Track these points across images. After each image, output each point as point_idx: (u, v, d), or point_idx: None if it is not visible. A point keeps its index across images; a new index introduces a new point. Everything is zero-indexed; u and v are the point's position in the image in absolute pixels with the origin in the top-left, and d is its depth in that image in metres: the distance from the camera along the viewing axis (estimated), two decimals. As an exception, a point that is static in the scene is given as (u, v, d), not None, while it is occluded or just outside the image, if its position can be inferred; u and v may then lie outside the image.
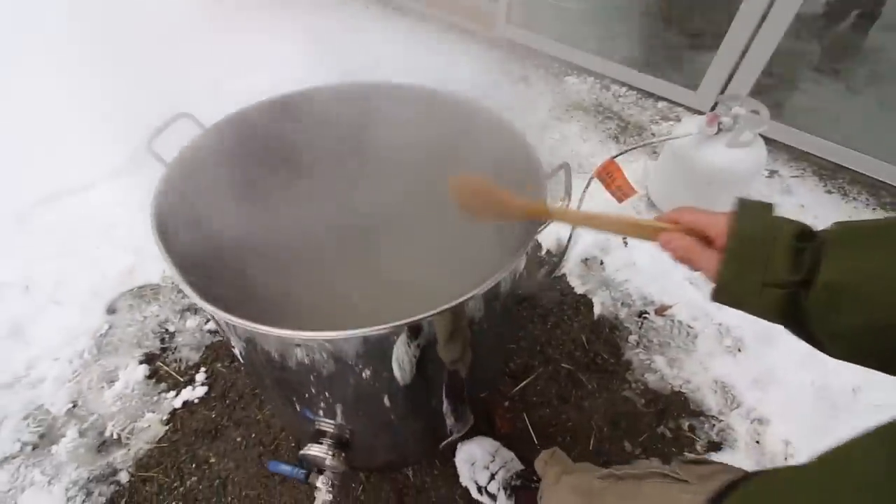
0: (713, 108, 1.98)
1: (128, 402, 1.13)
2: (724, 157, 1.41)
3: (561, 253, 1.52)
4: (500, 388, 1.20)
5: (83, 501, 1.00)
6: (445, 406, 0.82)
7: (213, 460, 1.05)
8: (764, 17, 1.69)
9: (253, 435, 1.09)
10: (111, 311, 1.30)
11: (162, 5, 2.85)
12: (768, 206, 0.44)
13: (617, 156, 1.41)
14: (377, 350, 0.60)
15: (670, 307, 1.36)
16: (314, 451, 0.72)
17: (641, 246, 1.51)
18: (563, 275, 1.46)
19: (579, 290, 1.42)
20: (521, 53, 2.35)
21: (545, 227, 0.62)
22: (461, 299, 0.53)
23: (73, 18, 2.64)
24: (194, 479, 1.04)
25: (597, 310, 1.37)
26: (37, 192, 1.54)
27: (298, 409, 0.76)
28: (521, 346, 1.28)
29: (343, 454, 0.73)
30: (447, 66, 2.29)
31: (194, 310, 1.32)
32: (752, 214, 0.43)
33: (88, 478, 1.02)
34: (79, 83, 2.11)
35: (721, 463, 0.61)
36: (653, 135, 1.96)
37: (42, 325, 1.25)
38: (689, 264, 0.48)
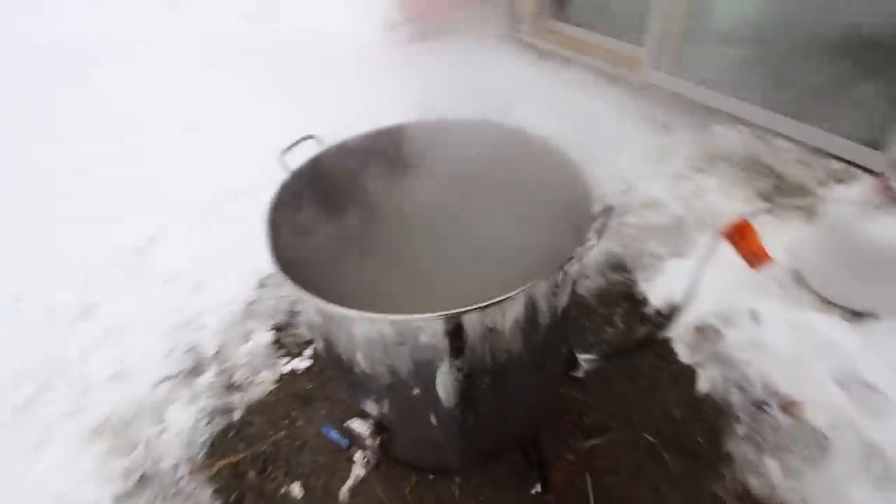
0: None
1: (254, 359, 1.37)
2: (892, 231, 1.12)
3: (671, 313, 1.36)
4: (569, 442, 1.12)
5: (206, 424, 1.23)
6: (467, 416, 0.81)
7: (300, 423, 1.20)
8: None
9: (336, 411, 1.22)
10: (261, 286, 1.59)
11: (341, 43, 3.41)
12: None
13: (754, 213, 1.24)
14: (419, 342, 0.64)
15: (801, 405, 1.11)
16: (355, 424, 0.79)
17: (777, 323, 1.27)
18: (669, 339, 1.31)
19: (685, 359, 1.25)
20: (667, 100, 2.19)
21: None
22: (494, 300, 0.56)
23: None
24: (283, 433, 1.20)
25: (702, 385, 1.19)
26: (227, 188, 1.97)
27: (351, 387, 0.84)
28: (602, 402, 1.18)
29: (379, 437, 0.78)
30: (585, 109, 2.27)
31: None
32: None
33: (214, 408, 1.26)
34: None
35: None
36: (817, 197, 1.63)
37: (215, 287, 1.59)
38: None
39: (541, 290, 0.65)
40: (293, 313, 1.50)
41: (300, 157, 0.90)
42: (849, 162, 1.70)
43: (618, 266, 1.54)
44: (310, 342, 1.41)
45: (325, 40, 3.56)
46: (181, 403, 1.30)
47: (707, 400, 1.16)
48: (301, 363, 1.35)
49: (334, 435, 0.92)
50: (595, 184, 0.78)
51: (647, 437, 1.11)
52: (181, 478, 1.15)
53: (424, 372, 0.70)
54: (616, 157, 1.96)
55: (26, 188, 2.25)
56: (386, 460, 1.03)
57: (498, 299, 0.59)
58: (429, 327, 0.62)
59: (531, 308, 0.67)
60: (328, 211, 0.95)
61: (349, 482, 1.04)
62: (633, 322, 1.37)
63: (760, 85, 2.03)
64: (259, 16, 4.27)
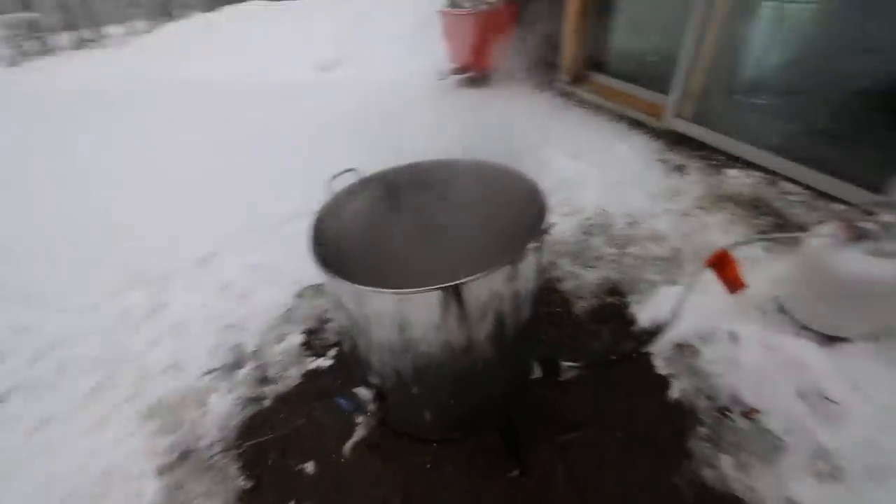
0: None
1: (286, 357, 1.76)
2: (862, 266, 1.36)
3: (654, 330, 1.63)
4: (547, 436, 1.39)
5: (241, 409, 1.61)
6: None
7: (316, 413, 1.56)
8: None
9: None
10: (299, 296, 2.02)
11: (397, 90, 4.05)
12: None
13: (733, 246, 1.55)
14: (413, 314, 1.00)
15: (759, 412, 1.34)
16: (360, 390, 1.13)
17: (752, 343, 1.51)
18: (650, 353, 1.57)
19: (662, 370, 1.51)
20: (683, 143, 2.52)
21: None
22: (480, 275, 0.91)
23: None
24: (302, 420, 1.55)
25: (674, 393, 1.44)
26: (287, 213, 2.49)
27: (361, 357, 1.19)
28: (580, 404, 1.45)
29: (379, 403, 1.12)
30: (607, 150, 2.64)
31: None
32: None
33: (248, 396, 1.65)
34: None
35: None
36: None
37: (260, 295, 2.03)
38: None
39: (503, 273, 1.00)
40: (323, 320, 1.90)
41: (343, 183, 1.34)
42: (844, 202, 1.94)
43: (614, 290, 1.83)
44: (335, 345, 1.79)
45: (382, 87, 4.27)
46: (222, 392, 1.70)
47: (676, 405, 1.41)
48: (325, 362, 1.73)
49: (343, 401, 1.28)
50: (546, 204, 1.14)
51: (618, 433, 1.37)
52: (214, 455, 1.52)
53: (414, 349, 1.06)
54: (629, 194, 2.30)
55: (121, 195, 2.89)
56: (382, 426, 1.35)
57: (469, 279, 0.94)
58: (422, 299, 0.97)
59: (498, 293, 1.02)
60: (357, 223, 1.37)
61: (351, 440, 1.35)
62: (620, 338, 1.64)
63: (772, 131, 2.32)
64: (328, 66, 5.21)
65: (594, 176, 2.47)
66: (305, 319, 1.91)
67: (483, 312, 1.03)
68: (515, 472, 1.32)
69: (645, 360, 1.55)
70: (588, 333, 1.68)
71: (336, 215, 1.28)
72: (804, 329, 1.54)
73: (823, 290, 1.47)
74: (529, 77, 3.80)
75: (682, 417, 1.37)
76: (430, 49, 4.76)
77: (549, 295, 1.85)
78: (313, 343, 1.81)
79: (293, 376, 1.70)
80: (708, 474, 1.24)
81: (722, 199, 2.15)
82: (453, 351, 1.07)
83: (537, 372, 1.43)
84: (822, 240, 1.47)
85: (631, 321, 1.70)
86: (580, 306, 1.78)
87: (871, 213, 1.35)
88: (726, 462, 1.25)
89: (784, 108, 2.47)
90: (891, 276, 1.33)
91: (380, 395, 1.17)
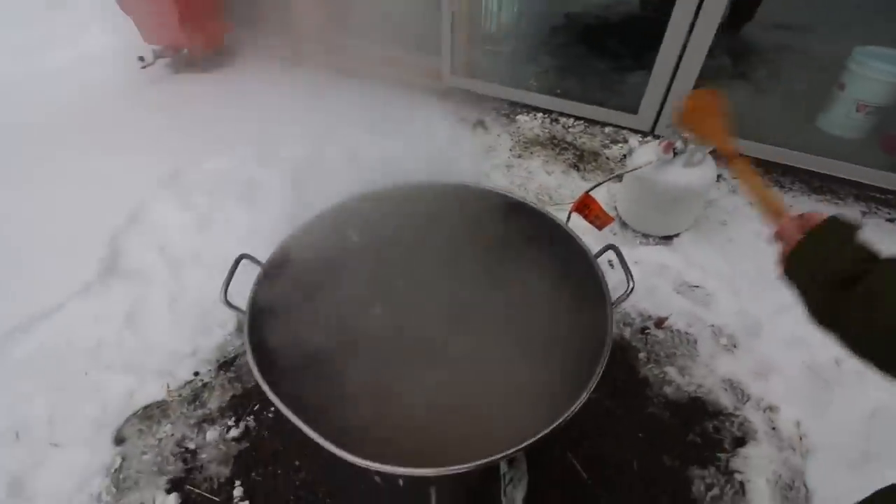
0: (653, 131, 2.29)
1: None
2: (683, 178, 1.65)
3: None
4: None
5: None
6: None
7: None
8: (687, 41, 2.00)
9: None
10: (119, 441, 1.27)
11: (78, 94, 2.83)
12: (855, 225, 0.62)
13: (590, 189, 1.62)
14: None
15: (667, 319, 1.55)
16: None
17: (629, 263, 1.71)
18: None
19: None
20: (472, 100, 2.57)
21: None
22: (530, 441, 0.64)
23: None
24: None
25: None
26: (2, 324, 1.49)
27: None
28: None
29: None
30: (407, 120, 2.46)
31: (211, 420, 1.32)
32: (841, 224, 0.63)
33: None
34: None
35: None
36: (607, 158, 2.22)
37: (44, 473, 1.20)
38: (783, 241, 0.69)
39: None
40: (189, 452, 1.26)
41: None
42: (614, 125, 2.35)
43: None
44: (232, 479, 1.22)
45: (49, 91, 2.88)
46: None
47: (617, 343, 1.51)
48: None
49: None
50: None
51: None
52: None
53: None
54: (452, 161, 2.22)
55: None
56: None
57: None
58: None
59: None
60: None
61: None
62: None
63: (533, 74, 2.57)
64: None
65: (408, 149, 2.30)
66: (157, 468, 1.23)
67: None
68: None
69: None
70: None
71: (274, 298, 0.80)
72: (645, 236, 1.84)
73: (655, 202, 1.75)
74: (267, 52, 3.20)
75: (623, 352, 1.48)
76: (112, 21, 3.46)
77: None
78: (195, 495, 1.20)
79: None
80: (668, 391, 1.38)
81: (529, 145, 2.31)
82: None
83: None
84: (645, 161, 1.71)
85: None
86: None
87: (679, 133, 1.63)
88: (672, 373, 1.42)
89: (527, 51, 2.77)
90: (698, 180, 1.66)
91: None
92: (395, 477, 0.84)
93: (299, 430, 1.27)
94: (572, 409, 0.68)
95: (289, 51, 3.16)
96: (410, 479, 0.82)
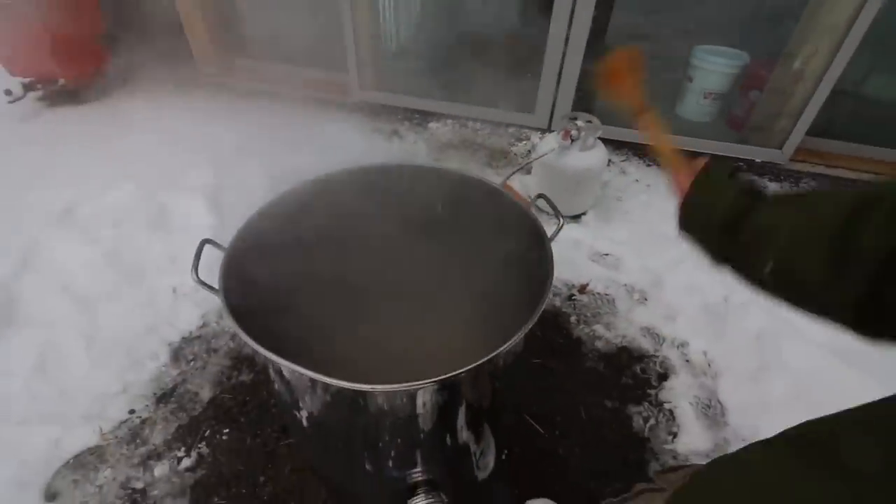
0: (549, 127, 2.53)
1: None
2: (582, 161, 1.86)
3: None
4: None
5: None
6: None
7: None
8: (565, 49, 2.27)
9: None
10: (51, 497, 1.12)
11: None
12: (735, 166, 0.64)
13: (507, 178, 1.78)
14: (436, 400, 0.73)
15: (587, 284, 1.73)
16: (420, 500, 0.81)
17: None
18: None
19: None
20: (384, 112, 2.64)
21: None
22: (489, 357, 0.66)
23: None
24: None
25: (538, 307, 1.67)
26: None
27: (387, 469, 0.84)
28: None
29: (441, 494, 0.84)
30: (320, 135, 2.45)
31: (158, 455, 1.22)
32: (721, 165, 0.65)
33: None
34: None
35: (691, 465, 0.80)
36: (515, 154, 2.42)
37: None
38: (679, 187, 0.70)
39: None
40: (138, 492, 1.15)
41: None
42: (517, 125, 2.56)
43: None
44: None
45: None
46: None
47: (545, 313, 1.64)
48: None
49: None
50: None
51: (535, 360, 1.49)
52: None
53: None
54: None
55: None
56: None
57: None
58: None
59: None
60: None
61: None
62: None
63: (438, 84, 2.72)
64: None
65: (325, 162, 2.30)
66: None
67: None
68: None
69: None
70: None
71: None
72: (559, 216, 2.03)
73: (561, 186, 1.95)
74: (158, 78, 3.00)
75: (556, 318, 1.62)
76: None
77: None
78: None
79: None
80: (599, 345, 1.54)
81: (444, 148, 2.43)
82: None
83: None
84: (550, 154, 1.91)
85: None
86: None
87: (573, 120, 1.84)
88: (600, 330, 1.59)
89: (432, 63, 2.92)
90: (594, 161, 1.89)
91: (435, 487, 0.85)
92: (379, 466, 0.85)
93: (260, 446, 1.23)
94: (532, 320, 0.70)
95: (183, 75, 3.01)
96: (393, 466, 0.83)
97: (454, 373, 0.64)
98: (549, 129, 2.54)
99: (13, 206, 1.99)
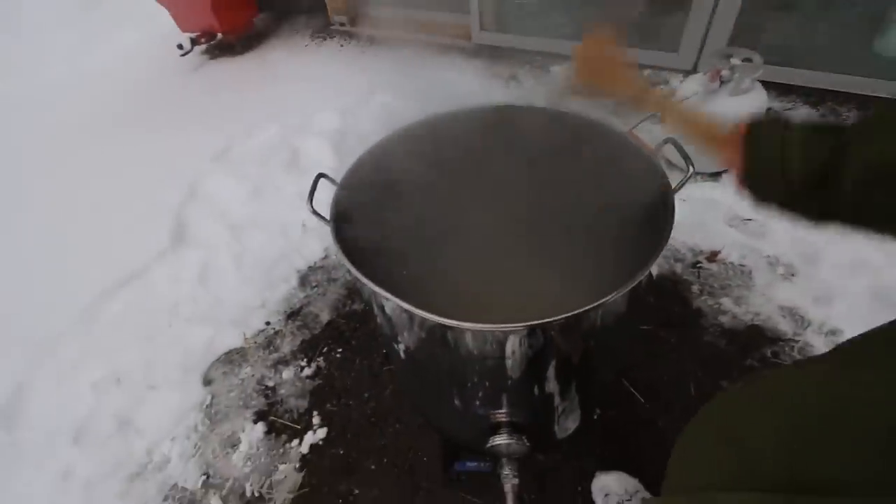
0: (695, 68, 2.19)
1: (257, 460, 1.22)
2: (730, 107, 1.59)
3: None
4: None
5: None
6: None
7: (357, 492, 1.15)
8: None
9: (384, 460, 1.20)
10: (207, 382, 1.39)
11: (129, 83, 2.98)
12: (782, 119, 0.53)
13: (634, 126, 1.59)
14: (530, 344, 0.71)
15: (719, 252, 1.52)
16: (500, 440, 0.84)
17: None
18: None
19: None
20: (503, 55, 2.53)
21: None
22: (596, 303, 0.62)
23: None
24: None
25: (653, 271, 1.52)
26: (93, 288, 1.63)
27: (473, 407, 0.87)
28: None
29: (523, 436, 0.85)
30: (438, 82, 2.45)
31: (286, 361, 1.42)
32: (766, 124, 0.54)
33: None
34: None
35: None
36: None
37: (147, 411, 1.33)
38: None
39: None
40: (270, 389, 1.36)
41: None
42: (655, 67, 2.26)
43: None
44: (310, 410, 1.31)
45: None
46: None
47: (663, 280, 1.49)
48: (316, 435, 1.27)
49: (472, 464, 0.95)
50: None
51: (644, 327, 1.38)
52: None
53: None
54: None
55: None
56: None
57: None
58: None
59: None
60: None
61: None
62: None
63: (566, 23, 2.50)
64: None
65: (443, 109, 2.30)
66: (242, 403, 1.34)
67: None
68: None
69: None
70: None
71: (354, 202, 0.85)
72: (697, 174, 1.78)
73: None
74: (296, 29, 3.23)
75: (675, 286, 1.47)
76: (145, 16, 3.59)
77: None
78: (279, 424, 1.30)
79: (287, 475, 1.21)
80: (723, 320, 1.37)
81: (566, 93, 2.26)
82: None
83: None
84: (692, 98, 1.65)
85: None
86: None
87: (728, 57, 1.56)
88: (727, 303, 1.40)
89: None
90: (748, 108, 1.59)
91: (518, 429, 0.86)
92: (466, 403, 0.88)
93: (367, 368, 1.35)
94: (633, 281, 0.64)
95: (317, 25, 3.19)
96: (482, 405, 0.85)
97: (541, 321, 0.61)
98: (693, 71, 2.19)
99: (185, 146, 2.36)
